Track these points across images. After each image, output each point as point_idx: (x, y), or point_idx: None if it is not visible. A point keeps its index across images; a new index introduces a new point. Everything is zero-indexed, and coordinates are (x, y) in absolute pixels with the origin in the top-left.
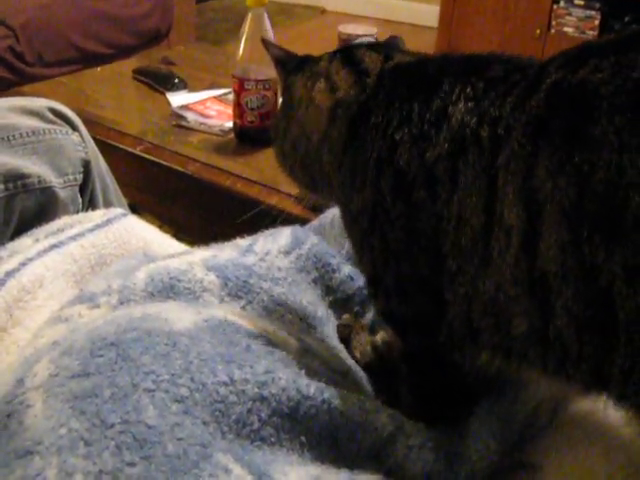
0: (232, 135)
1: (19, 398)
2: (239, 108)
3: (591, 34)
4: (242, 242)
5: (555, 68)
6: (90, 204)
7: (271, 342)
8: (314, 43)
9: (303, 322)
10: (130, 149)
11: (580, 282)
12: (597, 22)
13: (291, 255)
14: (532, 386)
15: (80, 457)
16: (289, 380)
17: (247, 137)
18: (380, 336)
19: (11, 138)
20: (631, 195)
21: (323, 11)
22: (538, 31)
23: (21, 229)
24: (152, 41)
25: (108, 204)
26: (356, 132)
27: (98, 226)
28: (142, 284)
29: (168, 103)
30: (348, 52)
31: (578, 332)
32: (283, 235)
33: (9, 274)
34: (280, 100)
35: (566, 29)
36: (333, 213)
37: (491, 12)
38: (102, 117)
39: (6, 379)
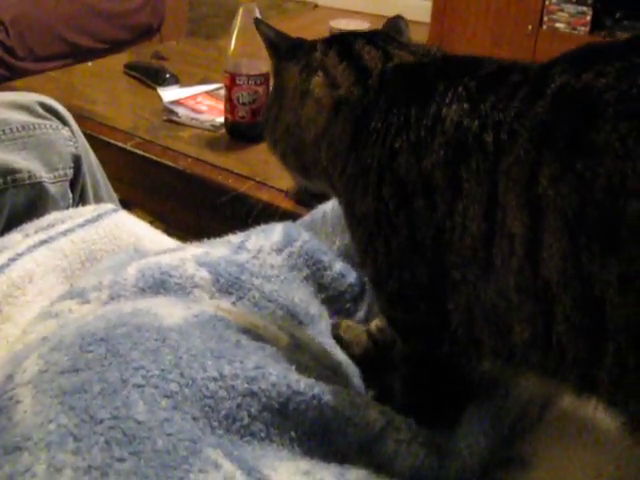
0: (223, 130)
1: (8, 394)
2: (230, 103)
3: (583, 30)
4: (234, 239)
5: (559, 72)
6: (80, 199)
7: (261, 338)
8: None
9: (294, 319)
10: (121, 144)
11: (578, 290)
12: (589, 18)
13: (283, 253)
14: (524, 382)
15: (69, 453)
16: (279, 376)
17: (238, 132)
18: (374, 323)
19: (0, 133)
20: (629, 203)
21: (315, 6)
22: (530, 27)
23: (11, 224)
24: (143, 36)
25: (99, 199)
26: (360, 136)
27: (88, 221)
28: (133, 280)
29: (159, 98)
30: (344, 43)
31: (574, 338)
32: (275, 232)
33: None
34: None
35: (558, 25)
36: (324, 209)
37: (483, 8)
38: (93, 112)
39: None
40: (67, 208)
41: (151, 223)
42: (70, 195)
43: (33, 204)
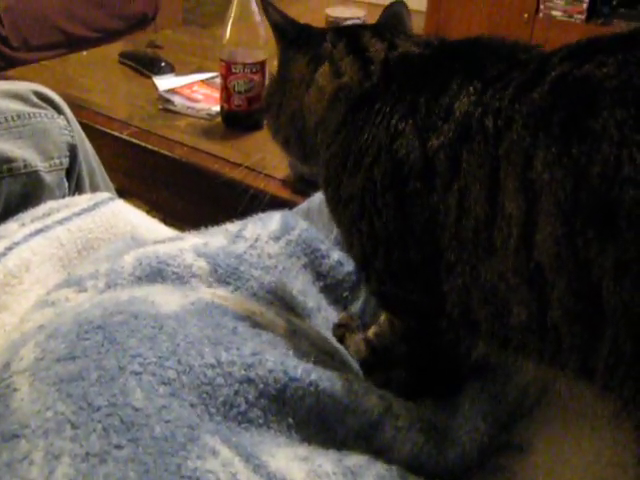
0: (219, 119)
1: (5, 382)
2: (226, 92)
3: (579, 18)
4: (231, 227)
5: (559, 61)
6: (77, 188)
7: (258, 324)
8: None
9: (292, 310)
10: (117, 133)
11: (573, 275)
12: (585, 6)
13: (281, 241)
14: (522, 368)
15: (67, 440)
16: (276, 362)
17: (234, 121)
18: (372, 331)
19: None
20: (626, 190)
21: None
22: (526, 15)
23: (7, 213)
24: (139, 25)
25: (95, 188)
26: (354, 116)
27: (85, 210)
28: (130, 268)
29: (155, 87)
30: (354, 37)
31: (570, 324)
32: (273, 220)
33: None
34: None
35: (554, 13)
36: (321, 197)
37: None
38: (88, 101)
39: None
40: (63, 197)
41: (147, 212)
42: (66, 184)
43: (29, 193)
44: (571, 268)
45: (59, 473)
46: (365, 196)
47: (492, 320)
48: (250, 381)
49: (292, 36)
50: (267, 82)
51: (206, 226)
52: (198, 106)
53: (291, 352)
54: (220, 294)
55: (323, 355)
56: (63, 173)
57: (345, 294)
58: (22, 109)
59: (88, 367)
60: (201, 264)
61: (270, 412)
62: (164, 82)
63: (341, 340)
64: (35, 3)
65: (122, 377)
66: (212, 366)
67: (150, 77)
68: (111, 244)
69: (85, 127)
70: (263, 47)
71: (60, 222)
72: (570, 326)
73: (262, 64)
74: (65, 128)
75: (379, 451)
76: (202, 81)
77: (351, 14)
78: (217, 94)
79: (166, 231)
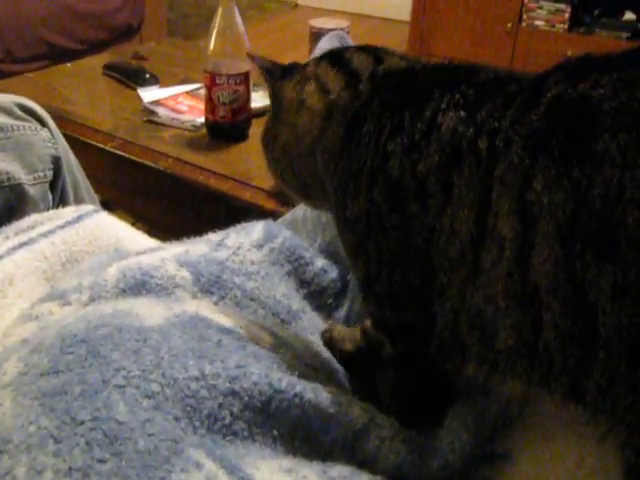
0: (204, 130)
1: None
2: (211, 103)
3: (561, 27)
4: (214, 237)
5: (555, 82)
6: (61, 201)
7: (243, 337)
8: (286, 38)
9: (276, 317)
10: (101, 145)
11: (569, 297)
12: (567, 15)
13: (264, 249)
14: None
15: (50, 454)
16: (261, 374)
17: (219, 132)
18: (369, 322)
19: None
20: (629, 213)
21: (295, 5)
22: (509, 25)
23: None
24: (123, 36)
25: (79, 200)
26: (351, 138)
27: (69, 223)
28: (113, 281)
29: (139, 99)
30: (335, 54)
31: (563, 346)
32: (255, 229)
33: None
34: (253, 94)
35: (537, 22)
36: (304, 207)
37: (463, 6)
38: (73, 113)
39: None
40: (47, 210)
41: (133, 224)
42: (50, 196)
43: (12, 206)
44: (568, 290)
45: None
46: (370, 218)
47: (479, 343)
48: (235, 394)
49: (280, 73)
50: (252, 95)
51: (190, 237)
52: (183, 117)
53: (276, 365)
54: (205, 306)
55: (307, 368)
56: (47, 186)
57: (329, 301)
58: (5, 122)
59: (71, 381)
60: (184, 274)
61: (255, 424)
62: (149, 94)
63: (329, 344)
64: (19, 14)
65: (105, 391)
66: (196, 379)
67: (135, 89)
68: (95, 257)
69: (69, 139)
70: (247, 59)
71: (44, 235)
72: (563, 348)
73: (246, 75)
74: (49, 141)
75: (363, 462)
76: (187, 92)
77: (335, 25)
78: (202, 105)
79: (151, 243)
